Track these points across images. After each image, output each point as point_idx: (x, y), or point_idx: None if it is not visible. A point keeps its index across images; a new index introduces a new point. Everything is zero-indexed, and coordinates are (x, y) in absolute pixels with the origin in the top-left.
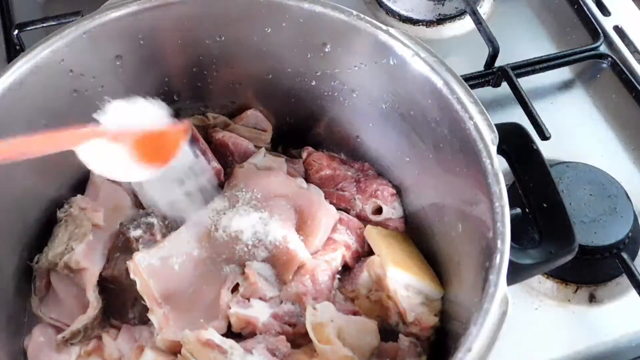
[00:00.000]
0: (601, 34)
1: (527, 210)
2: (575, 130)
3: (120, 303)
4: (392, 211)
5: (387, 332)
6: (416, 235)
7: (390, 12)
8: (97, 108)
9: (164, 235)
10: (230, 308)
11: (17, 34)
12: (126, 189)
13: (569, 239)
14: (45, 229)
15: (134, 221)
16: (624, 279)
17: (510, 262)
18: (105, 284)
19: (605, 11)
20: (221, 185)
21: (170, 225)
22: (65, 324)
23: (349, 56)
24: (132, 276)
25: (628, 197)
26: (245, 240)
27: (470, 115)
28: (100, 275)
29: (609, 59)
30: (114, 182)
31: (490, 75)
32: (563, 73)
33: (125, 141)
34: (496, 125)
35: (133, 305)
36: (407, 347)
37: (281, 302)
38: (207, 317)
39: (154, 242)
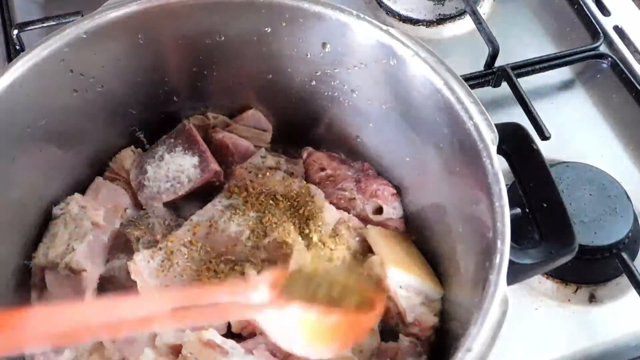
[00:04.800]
0: (601, 34)
1: (527, 210)
2: (575, 130)
3: None
4: (392, 211)
5: (387, 332)
6: (416, 235)
7: (390, 12)
8: (97, 108)
9: (164, 235)
10: None
11: (17, 34)
12: (126, 189)
13: (569, 239)
14: (45, 228)
15: (134, 221)
16: (624, 279)
17: (510, 262)
18: (104, 284)
19: (605, 11)
20: (221, 186)
21: (170, 225)
22: None
23: (349, 56)
24: (132, 277)
25: (628, 197)
26: (244, 240)
27: (470, 115)
28: (100, 275)
29: (609, 59)
30: (113, 182)
31: (490, 75)
32: (563, 73)
33: (316, 320)
34: (496, 125)
35: None
36: (407, 347)
37: None
38: None
39: (154, 242)
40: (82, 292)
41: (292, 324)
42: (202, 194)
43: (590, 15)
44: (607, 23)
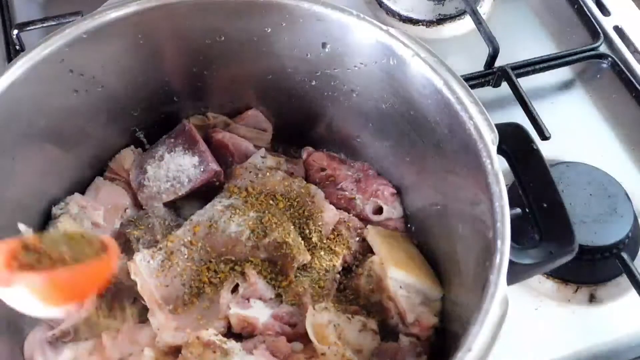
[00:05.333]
0: (601, 34)
1: (527, 210)
2: (575, 130)
3: (118, 303)
4: (392, 211)
5: (387, 332)
6: (416, 236)
7: (390, 12)
8: (97, 108)
9: (164, 235)
10: (230, 308)
11: (17, 34)
12: (126, 189)
13: (569, 239)
14: (45, 229)
15: (134, 221)
16: (624, 279)
17: (510, 262)
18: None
19: (605, 11)
20: (221, 186)
21: (170, 225)
22: (57, 322)
23: (349, 56)
24: (132, 277)
25: (628, 197)
26: (244, 240)
27: (470, 115)
28: None
29: (609, 59)
30: (113, 182)
31: (490, 75)
32: (563, 73)
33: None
34: (496, 125)
35: (132, 305)
36: (407, 347)
37: (281, 302)
38: (208, 317)
39: (154, 242)
40: None
41: (24, 293)
42: (202, 194)
43: (590, 15)
44: (607, 23)
